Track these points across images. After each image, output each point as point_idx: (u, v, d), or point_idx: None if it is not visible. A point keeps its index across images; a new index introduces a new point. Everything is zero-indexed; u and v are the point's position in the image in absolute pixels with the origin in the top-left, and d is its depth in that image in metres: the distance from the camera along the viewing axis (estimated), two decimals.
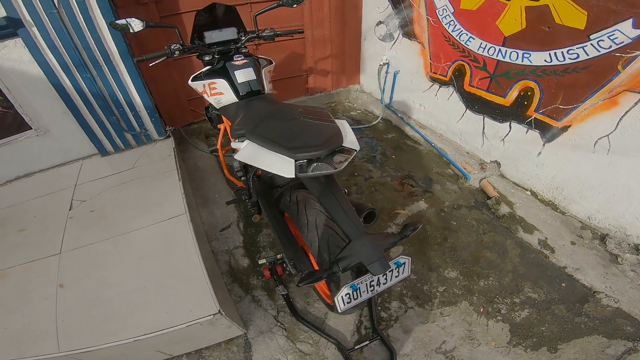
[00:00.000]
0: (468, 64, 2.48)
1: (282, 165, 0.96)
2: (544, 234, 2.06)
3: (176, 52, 1.61)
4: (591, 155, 1.96)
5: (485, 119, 2.53)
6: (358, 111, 3.58)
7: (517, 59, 2.13)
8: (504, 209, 2.25)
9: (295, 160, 0.97)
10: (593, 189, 2.02)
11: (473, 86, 2.53)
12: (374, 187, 2.52)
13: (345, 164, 0.99)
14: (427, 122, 3.13)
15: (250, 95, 1.64)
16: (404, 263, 1.02)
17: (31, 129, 2.15)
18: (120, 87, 2.24)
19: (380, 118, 3.36)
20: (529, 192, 2.39)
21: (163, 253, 1.53)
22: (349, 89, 3.73)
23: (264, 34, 1.82)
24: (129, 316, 1.27)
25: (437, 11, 2.55)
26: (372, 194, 2.45)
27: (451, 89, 2.73)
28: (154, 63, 1.85)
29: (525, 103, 2.19)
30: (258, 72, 1.70)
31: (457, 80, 2.64)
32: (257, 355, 1.49)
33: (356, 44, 3.49)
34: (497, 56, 2.23)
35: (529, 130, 2.24)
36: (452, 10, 2.43)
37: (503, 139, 2.46)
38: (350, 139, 1.04)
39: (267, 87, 1.73)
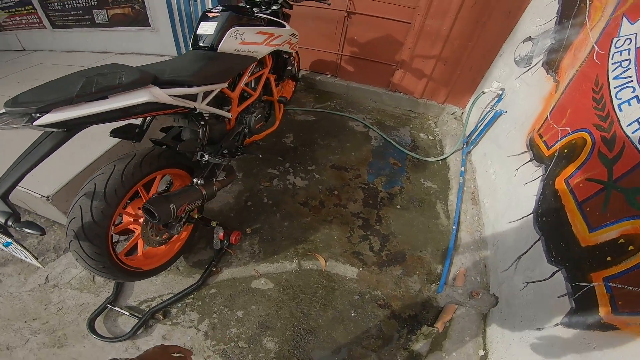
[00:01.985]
0: (594, 142, 1.41)
1: None
2: None
3: None
4: None
5: (539, 242, 1.50)
6: (431, 138, 2.78)
7: None
8: (421, 347, 1.47)
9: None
10: None
11: (568, 183, 1.48)
12: (334, 217, 2.06)
13: (12, 126, 0.89)
14: (483, 198, 2.13)
15: (204, 48, 1.59)
16: (20, 250, 0.94)
17: (150, 26, 2.92)
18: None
19: (441, 159, 2.52)
20: (482, 352, 1.44)
21: (88, 144, 1.84)
22: (444, 107, 2.88)
23: None
24: None
25: (614, 41, 1.47)
26: (322, 223, 2.02)
27: (539, 172, 1.69)
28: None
29: (609, 259, 1.14)
30: (223, 29, 1.62)
31: (556, 163, 1.60)
32: (64, 259, 1.73)
33: (486, 57, 2.55)
34: None
35: (565, 297, 1.22)
36: None
37: (529, 282, 1.44)
38: (66, 113, 0.91)
39: (230, 47, 1.58)
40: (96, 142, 1.87)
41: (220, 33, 1.54)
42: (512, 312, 1.45)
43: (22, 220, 0.91)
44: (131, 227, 1.45)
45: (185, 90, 1.22)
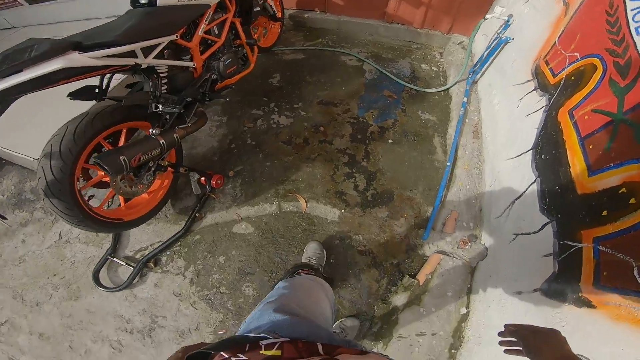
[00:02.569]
0: (605, 68, 1.15)
1: None
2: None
3: None
4: None
5: (535, 185, 1.31)
6: (434, 69, 2.47)
7: None
8: (400, 299, 1.43)
9: None
10: None
11: (572, 115, 1.25)
12: (318, 155, 1.97)
13: None
14: (485, 131, 1.91)
15: (143, 5, 1.45)
16: None
17: None
18: None
19: (442, 89, 2.26)
20: (464, 310, 1.37)
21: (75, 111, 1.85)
22: (449, 37, 2.51)
23: None
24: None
25: None
26: (305, 161, 1.95)
27: (543, 102, 1.46)
28: None
29: (604, 214, 0.94)
30: None
31: (561, 92, 1.36)
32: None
33: None
34: None
35: (550, 257, 1.08)
36: None
37: (518, 235, 1.30)
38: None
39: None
40: (83, 106, 1.92)
41: None
42: (496, 268, 1.34)
43: None
44: (105, 180, 1.52)
45: (114, 50, 1.18)
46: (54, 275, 1.69)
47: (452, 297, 1.39)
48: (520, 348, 0.64)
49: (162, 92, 1.47)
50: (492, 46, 2.02)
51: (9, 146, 1.91)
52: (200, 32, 1.60)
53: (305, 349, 0.48)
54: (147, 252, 1.70)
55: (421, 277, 1.47)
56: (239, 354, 0.46)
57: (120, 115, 1.38)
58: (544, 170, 1.27)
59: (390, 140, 2.03)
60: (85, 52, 1.11)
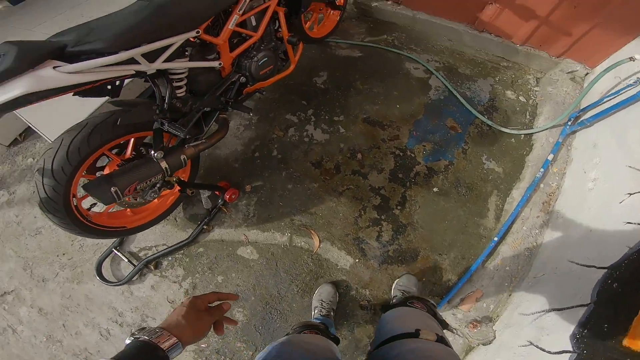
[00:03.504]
0: None
1: None
2: None
3: None
4: None
5: (582, 309, 0.98)
6: (522, 99, 1.95)
7: None
8: None
9: None
10: None
11: None
12: (347, 188, 1.72)
13: None
14: (561, 208, 1.50)
15: None
16: None
17: None
18: None
19: (524, 132, 1.80)
20: None
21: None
22: (558, 61, 1.92)
23: None
24: None
25: None
26: (331, 193, 1.71)
27: None
28: None
29: None
30: None
31: None
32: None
33: None
34: None
35: None
36: None
37: (532, 344, 1.03)
38: None
39: None
40: None
41: None
42: None
43: None
44: None
45: (103, 61, 0.90)
46: (64, 254, 1.73)
47: None
48: None
49: (178, 96, 1.24)
50: (620, 95, 1.48)
51: (34, 121, 1.78)
52: (231, 25, 1.30)
53: None
54: (150, 252, 1.67)
55: None
56: None
57: (123, 129, 1.17)
58: (606, 301, 0.93)
59: (435, 189, 1.70)
60: (69, 61, 0.86)
